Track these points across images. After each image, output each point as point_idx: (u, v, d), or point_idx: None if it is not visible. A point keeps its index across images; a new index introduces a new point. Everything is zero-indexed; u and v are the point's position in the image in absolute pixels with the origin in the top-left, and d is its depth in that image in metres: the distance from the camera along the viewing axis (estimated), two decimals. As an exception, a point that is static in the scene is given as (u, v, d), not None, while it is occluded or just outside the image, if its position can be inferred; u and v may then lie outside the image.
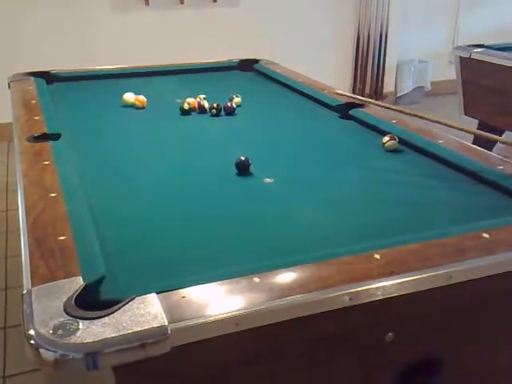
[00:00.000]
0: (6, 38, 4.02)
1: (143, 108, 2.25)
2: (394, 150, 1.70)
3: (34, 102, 2.15)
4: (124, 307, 0.89)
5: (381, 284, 0.97)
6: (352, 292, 0.95)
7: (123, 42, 4.28)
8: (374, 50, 5.02)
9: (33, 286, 0.95)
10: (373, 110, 2.05)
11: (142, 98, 2.28)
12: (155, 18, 4.34)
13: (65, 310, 0.88)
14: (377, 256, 1.03)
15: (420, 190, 1.45)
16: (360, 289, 0.95)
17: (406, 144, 1.73)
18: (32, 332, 0.85)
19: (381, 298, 0.97)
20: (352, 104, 2.14)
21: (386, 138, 1.71)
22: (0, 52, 4.00)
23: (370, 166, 1.63)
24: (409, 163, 1.63)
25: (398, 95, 5.23)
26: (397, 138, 1.71)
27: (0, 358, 1.94)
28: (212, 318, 0.88)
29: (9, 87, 2.49)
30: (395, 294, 0.98)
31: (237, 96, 2.32)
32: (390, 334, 1.03)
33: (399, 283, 0.98)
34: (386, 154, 1.69)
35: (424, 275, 0.99)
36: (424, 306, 1.04)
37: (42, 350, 0.83)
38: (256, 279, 0.97)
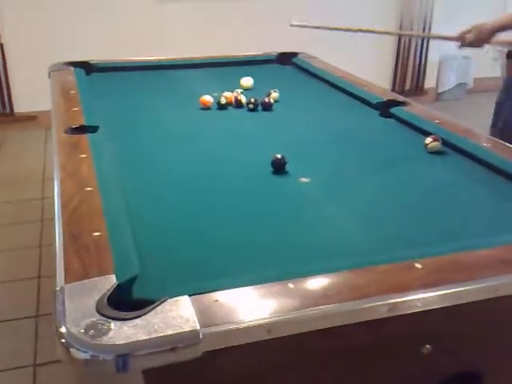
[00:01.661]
0: (47, 27, 4.07)
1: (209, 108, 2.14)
2: (436, 152, 1.64)
3: (73, 92, 2.16)
4: (156, 309, 0.88)
5: (421, 295, 0.92)
6: (391, 303, 0.91)
7: (163, 33, 4.29)
8: (416, 45, 4.90)
9: (66, 282, 0.95)
10: (415, 109, 1.98)
11: (207, 98, 2.15)
12: (195, 9, 4.33)
13: (97, 310, 0.87)
14: (418, 265, 0.99)
15: (464, 195, 1.39)
16: (399, 300, 0.91)
17: (449, 146, 1.67)
18: (63, 330, 0.84)
19: (421, 309, 0.93)
20: (393, 101, 2.08)
21: (429, 139, 1.65)
22: (40, 41, 4.06)
23: (412, 168, 1.58)
24: (452, 166, 1.57)
25: (439, 91, 5.10)
26: (440, 139, 1.64)
27: (31, 346, 1.98)
28: (244, 324, 0.86)
29: (49, 76, 2.51)
30: (436, 306, 0.94)
31: (274, 91, 2.28)
32: (427, 346, 0.98)
33: (441, 295, 0.94)
34: (429, 156, 1.64)
35: (468, 287, 0.95)
36: (466, 319, 0.99)
37: (72, 350, 0.82)
38: (290, 285, 0.94)
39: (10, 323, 2.11)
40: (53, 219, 1.22)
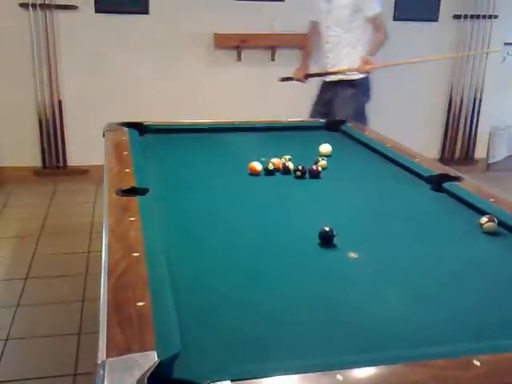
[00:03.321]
0: (103, 86, 4.26)
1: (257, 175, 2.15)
2: (492, 233, 1.57)
3: (125, 153, 2.21)
4: (197, 393, 0.84)
5: (481, 398, 0.86)
6: (447, 405, 0.84)
7: (215, 97, 4.41)
8: (467, 115, 4.86)
9: (108, 356, 0.93)
10: (469, 185, 1.93)
11: (256, 165, 2.16)
12: (247, 74, 4.46)
13: (137, 389, 0.84)
14: (476, 362, 0.92)
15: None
16: (457, 402, 0.85)
17: (505, 226, 1.60)
18: (102, 408, 0.82)
19: (480, 413, 0.86)
20: (445, 176, 2.03)
21: (485, 219, 1.58)
22: (96, 99, 4.24)
23: (467, 249, 1.51)
24: (511, 249, 1.49)
25: (489, 162, 5.00)
26: (496, 220, 1.58)
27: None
28: (290, 419, 0.81)
29: (103, 136, 2.59)
30: (497, 411, 0.87)
31: (323, 159, 2.28)
32: None
33: (503, 399, 0.86)
34: (484, 237, 1.57)
35: (532, 393, 0.87)
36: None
37: (109, 430, 0.79)
38: (339, 377, 0.89)
39: (47, 380, 2.09)
40: (98, 282, 1.22)
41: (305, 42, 3.81)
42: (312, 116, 3.67)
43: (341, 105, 3.56)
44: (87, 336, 2.33)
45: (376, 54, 3.41)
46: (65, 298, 2.66)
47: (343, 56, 3.53)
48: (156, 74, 4.32)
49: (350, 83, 3.56)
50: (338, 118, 3.20)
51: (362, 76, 3.51)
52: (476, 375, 0.90)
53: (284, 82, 3.76)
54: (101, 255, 1.34)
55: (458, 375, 0.90)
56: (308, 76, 3.70)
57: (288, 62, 4.22)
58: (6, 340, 2.31)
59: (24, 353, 2.25)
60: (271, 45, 4.45)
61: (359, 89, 3.60)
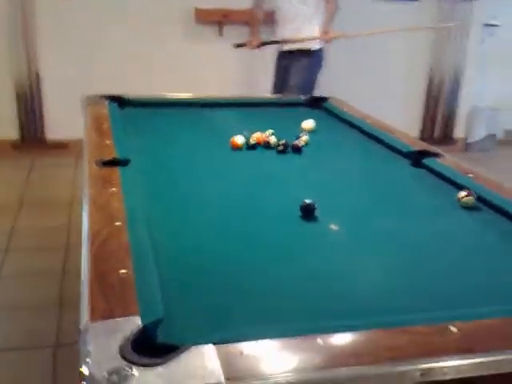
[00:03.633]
0: (82, 59, 4.18)
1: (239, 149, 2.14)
2: (470, 207, 1.60)
3: (105, 125, 2.19)
4: (180, 356, 0.85)
5: (457, 362, 0.88)
6: (424, 368, 0.87)
7: (195, 71, 4.37)
8: (447, 95, 4.90)
9: (91, 321, 0.93)
10: (447, 161, 1.96)
11: (238, 139, 2.14)
12: (229, 50, 4.41)
13: (121, 353, 0.85)
14: (453, 328, 0.95)
15: (502, 255, 1.35)
16: (434, 365, 0.87)
17: (483, 201, 1.63)
18: (86, 372, 0.82)
19: (455, 377, 0.89)
20: (425, 152, 2.06)
21: (463, 193, 1.61)
22: (75, 72, 4.17)
23: (444, 222, 1.54)
24: (487, 224, 1.53)
25: (468, 141, 5.07)
26: (475, 194, 1.61)
27: (48, 377, 1.95)
28: (271, 380, 0.82)
29: (82, 108, 2.56)
30: (471, 375, 0.89)
31: (305, 134, 2.29)
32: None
33: (477, 363, 0.89)
34: (461, 211, 1.60)
35: (506, 357, 0.90)
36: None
37: (94, 394, 0.80)
38: (319, 340, 0.90)
39: (28, 351, 2.09)
40: (80, 252, 1.22)
41: (252, 13, 3.92)
42: (274, 86, 3.84)
43: (295, 73, 3.71)
44: (68, 307, 2.33)
45: (330, 24, 3.63)
46: (45, 270, 2.65)
47: (300, 27, 3.66)
48: (136, 48, 4.26)
49: (307, 52, 3.69)
50: (291, 84, 3.36)
51: (318, 46, 3.69)
52: (453, 340, 0.93)
53: (239, 49, 3.92)
54: (82, 227, 1.34)
55: (434, 340, 0.93)
56: (263, 44, 3.82)
57: (271, 38, 4.20)
58: (-14, 312, 2.31)
59: (5, 324, 2.24)
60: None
61: (315, 58, 3.76)
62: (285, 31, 3.72)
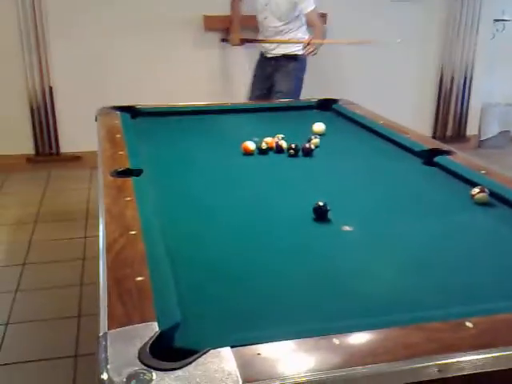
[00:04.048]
0: (94, 71, 4.23)
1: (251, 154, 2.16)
2: (483, 204, 1.60)
3: (118, 136, 2.21)
4: (198, 360, 0.87)
5: (474, 357, 0.88)
6: (442, 364, 0.87)
7: (206, 79, 4.40)
8: (458, 92, 4.87)
9: (109, 328, 0.95)
10: (460, 158, 1.95)
11: (250, 145, 2.16)
12: (237, 56, 4.43)
13: (139, 359, 0.86)
14: (469, 324, 0.95)
15: (516, 250, 1.34)
16: (451, 360, 0.87)
17: (496, 197, 1.62)
18: (105, 378, 0.84)
19: (472, 372, 0.88)
20: (437, 150, 2.05)
21: (476, 190, 1.61)
22: (87, 84, 4.21)
23: (458, 219, 1.54)
24: (502, 219, 1.52)
25: (481, 139, 5.02)
26: (487, 191, 1.61)
27: (70, 387, 1.97)
28: (288, 381, 0.83)
29: (96, 120, 2.59)
30: (488, 369, 0.89)
31: (316, 137, 2.30)
32: (479, 411, 0.93)
33: (494, 357, 0.89)
34: (475, 207, 1.59)
35: (523, 351, 0.90)
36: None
37: (114, 399, 0.81)
38: (336, 340, 0.91)
39: (48, 362, 2.11)
40: (97, 260, 1.24)
41: (232, 9, 3.94)
42: (253, 94, 3.81)
43: (282, 79, 3.67)
44: (87, 318, 2.35)
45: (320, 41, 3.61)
46: (63, 282, 2.68)
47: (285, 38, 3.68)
48: (147, 58, 4.29)
49: (293, 57, 3.68)
50: (278, 90, 3.35)
51: (302, 52, 3.66)
52: (469, 336, 0.93)
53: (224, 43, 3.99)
54: (98, 237, 1.36)
55: (451, 337, 0.93)
56: (244, 41, 3.83)
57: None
58: (7, 324, 2.33)
59: (25, 336, 2.27)
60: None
61: (300, 63, 3.74)
62: (268, 45, 3.75)
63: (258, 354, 0.89)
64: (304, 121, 2.68)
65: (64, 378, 2.02)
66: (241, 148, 2.16)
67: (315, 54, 3.58)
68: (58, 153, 4.35)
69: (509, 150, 4.93)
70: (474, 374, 0.88)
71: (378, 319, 0.98)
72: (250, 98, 3.81)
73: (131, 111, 2.68)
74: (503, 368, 0.90)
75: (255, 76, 3.87)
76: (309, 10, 3.58)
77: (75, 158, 4.30)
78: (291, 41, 3.59)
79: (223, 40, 4.01)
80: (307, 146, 2.16)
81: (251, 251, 1.34)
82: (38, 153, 4.31)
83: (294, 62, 3.71)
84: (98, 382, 0.84)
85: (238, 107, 3.00)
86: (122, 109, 2.68)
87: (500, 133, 5.02)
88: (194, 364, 0.86)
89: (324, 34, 3.68)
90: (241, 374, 0.83)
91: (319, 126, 2.47)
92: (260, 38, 3.80)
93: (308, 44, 3.45)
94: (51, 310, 2.45)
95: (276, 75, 3.73)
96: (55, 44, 4.14)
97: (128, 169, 1.80)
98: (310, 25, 3.66)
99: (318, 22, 3.65)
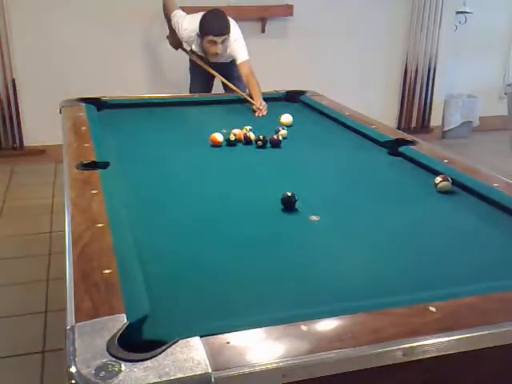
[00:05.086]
0: (59, 63, 4.14)
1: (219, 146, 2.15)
2: (446, 192, 1.64)
3: (84, 128, 2.18)
4: (167, 350, 0.87)
5: (436, 340, 0.91)
6: (406, 347, 0.89)
7: (167, 70, 4.35)
8: (422, 84, 4.95)
9: (77, 321, 0.94)
10: (424, 148, 1.99)
11: (218, 136, 2.15)
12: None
13: (108, 350, 0.86)
14: (432, 309, 0.98)
15: (477, 237, 1.38)
16: (415, 344, 0.90)
17: (458, 185, 1.67)
18: (74, 370, 0.83)
19: (436, 354, 0.91)
20: (401, 140, 2.09)
21: (439, 179, 1.65)
22: (52, 77, 4.13)
23: (422, 207, 1.58)
24: (463, 207, 1.56)
25: (444, 129, 5.13)
26: (450, 179, 1.65)
27: (37, 382, 1.94)
28: (258, 368, 0.84)
29: (60, 112, 2.55)
30: (451, 351, 0.92)
31: (283, 128, 2.31)
32: (443, 392, 0.96)
33: (456, 340, 0.92)
34: (438, 196, 1.63)
35: (483, 332, 0.93)
36: (481, 364, 0.97)
37: (82, 391, 0.80)
38: (303, 327, 0.93)
39: (15, 359, 2.08)
40: (63, 254, 1.22)
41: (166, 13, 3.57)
42: (202, 85, 3.48)
43: (234, 68, 3.31)
44: (54, 314, 2.32)
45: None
46: (29, 278, 2.63)
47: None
48: (111, 49, 4.22)
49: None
50: (237, 75, 3.18)
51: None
52: (433, 320, 0.96)
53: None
54: (64, 230, 1.34)
55: (415, 321, 0.95)
56: (181, 48, 3.59)
57: (279, 34, 4.22)
58: (-28, 322, 2.29)
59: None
60: (262, 16, 4.40)
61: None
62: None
63: (227, 342, 0.89)
64: (272, 112, 2.70)
65: (31, 374, 1.99)
66: (209, 140, 2.16)
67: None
68: (21, 147, 4.25)
69: (471, 140, 5.06)
70: (437, 356, 0.91)
71: (345, 305, 0.99)
72: (198, 91, 3.46)
73: (97, 103, 2.64)
74: (465, 350, 0.93)
75: (197, 72, 3.53)
76: (243, 59, 3.19)
77: (39, 152, 4.22)
78: (237, 91, 3.09)
79: (167, 37, 3.68)
80: (275, 137, 2.17)
81: (220, 242, 1.34)
82: (0, 147, 4.21)
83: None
84: (66, 375, 0.84)
85: (206, 99, 2.99)
86: (87, 101, 2.63)
87: (463, 123, 5.13)
88: (163, 354, 0.86)
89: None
90: (210, 363, 0.84)
91: (287, 118, 2.48)
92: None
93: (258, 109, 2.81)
94: (17, 306, 2.41)
95: (226, 66, 3.37)
96: (18, 35, 4.04)
97: (94, 161, 1.77)
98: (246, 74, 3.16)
99: (252, 73, 3.15)
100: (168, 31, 3.63)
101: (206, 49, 3.18)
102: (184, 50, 3.59)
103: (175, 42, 3.58)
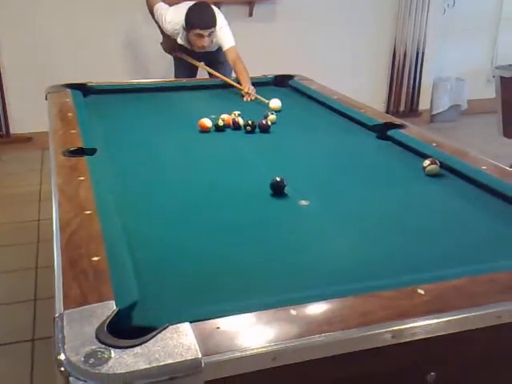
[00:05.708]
0: (44, 49, 4.08)
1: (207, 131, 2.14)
2: (435, 175, 1.64)
3: (70, 114, 2.16)
4: (157, 336, 0.87)
5: (425, 322, 0.92)
6: (395, 330, 0.90)
7: (153, 56, 4.31)
8: (410, 67, 4.95)
9: (65, 309, 0.93)
10: (412, 131, 1.99)
11: (206, 122, 2.14)
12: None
13: (97, 337, 0.86)
14: (421, 291, 0.98)
15: (465, 219, 1.39)
16: (403, 326, 0.90)
17: (446, 168, 1.67)
18: (63, 358, 0.83)
19: (424, 336, 0.92)
20: (390, 124, 2.09)
21: (427, 162, 1.65)
22: (38, 63, 4.07)
23: (411, 191, 1.58)
24: (451, 190, 1.57)
25: (433, 113, 5.14)
26: (438, 162, 1.65)
27: (27, 371, 1.94)
28: (248, 352, 0.84)
29: (46, 98, 2.51)
30: (440, 333, 0.93)
31: (272, 113, 2.30)
32: (432, 373, 0.97)
33: (444, 322, 0.93)
34: (427, 179, 1.64)
35: (471, 314, 0.94)
36: (469, 346, 0.98)
37: (71, 378, 0.80)
38: (293, 311, 0.93)
39: (5, 347, 2.07)
40: (51, 242, 1.21)
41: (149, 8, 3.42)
42: (187, 70, 3.43)
43: (220, 53, 3.30)
44: (43, 302, 2.31)
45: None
46: (17, 266, 2.61)
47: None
48: (96, 34, 4.17)
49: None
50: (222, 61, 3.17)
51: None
52: (422, 302, 0.96)
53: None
54: (52, 217, 1.33)
55: (403, 304, 0.96)
56: (175, 55, 3.47)
57: (266, 18, 4.17)
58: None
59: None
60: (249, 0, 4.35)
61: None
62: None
63: (217, 327, 0.89)
64: (260, 96, 2.68)
65: (21, 362, 1.99)
66: (197, 125, 2.14)
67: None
68: (8, 134, 4.20)
69: (459, 123, 5.07)
70: (426, 338, 0.92)
71: (333, 289, 1.00)
72: (183, 76, 3.40)
73: (83, 89, 2.61)
74: (453, 331, 0.93)
75: (183, 60, 3.46)
76: (229, 46, 3.17)
77: (26, 139, 4.17)
78: (224, 79, 3.02)
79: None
80: (264, 122, 2.16)
81: (207, 228, 1.34)
82: (-14, 134, 4.16)
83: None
84: (56, 363, 0.83)
85: (193, 84, 2.96)
86: (73, 86, 2.60)
87: (451, 107, 5.14)
88: (152, 340, 0.86)
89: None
90: (200, 348, 0.83)
91: (275, 103, 2.47)
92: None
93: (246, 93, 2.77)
94: (6, 294, 2.39)
95: (212, 53, 3.32)
96: (3, 23, 3.97)
97: (81, 148, 1.76)
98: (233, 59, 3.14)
99: (239, 59, 3.13)
100: (161, 37, 3.50)
101: (193, 42, 3.16)
102: (177, 56, 3.47)
103: (169, 47, 3.49)
